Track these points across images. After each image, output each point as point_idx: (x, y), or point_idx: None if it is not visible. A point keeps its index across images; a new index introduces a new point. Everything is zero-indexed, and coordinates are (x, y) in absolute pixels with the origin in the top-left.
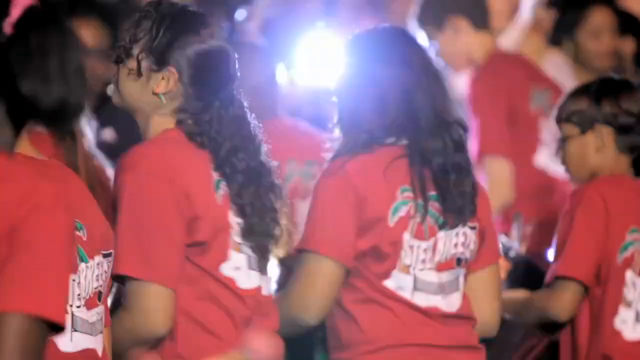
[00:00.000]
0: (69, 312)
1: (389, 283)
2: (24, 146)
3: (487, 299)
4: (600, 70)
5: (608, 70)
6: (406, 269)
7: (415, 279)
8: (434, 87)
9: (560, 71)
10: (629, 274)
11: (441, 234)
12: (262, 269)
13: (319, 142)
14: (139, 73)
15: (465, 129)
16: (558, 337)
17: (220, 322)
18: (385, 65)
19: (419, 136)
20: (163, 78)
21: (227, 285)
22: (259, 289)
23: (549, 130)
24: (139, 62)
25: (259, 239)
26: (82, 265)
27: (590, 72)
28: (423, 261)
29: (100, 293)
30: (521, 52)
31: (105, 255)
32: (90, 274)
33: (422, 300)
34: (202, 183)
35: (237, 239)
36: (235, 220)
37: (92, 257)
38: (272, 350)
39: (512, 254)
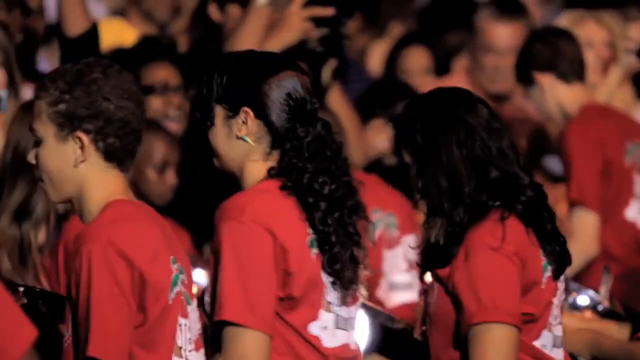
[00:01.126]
0: (184, 356)
1: (539, 343)
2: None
3: None
4: None
5: None
6: (550, 327)
7: (554, 337)
8: (512, 146)
9: None
10: None
11: (559, 285)
12: (349, 324)
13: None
14: (222, 124)
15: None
16: None
17: None
18: (451, 136)
19: (515, 199)
20: (242, 121)
21: (312, 343)
22: (345, 346)
23: None
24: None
25: (342, 268)
26: (189, 308)
27: None
28: (556, 317)
29: (202, 336)
30: (614, 105)
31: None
32: (195, 317)
33: (555, 354)
34: (298, 238)
35: (329, 298)
36: (327, 279)
37: (192, 300)
38: None
39: (600, 308)
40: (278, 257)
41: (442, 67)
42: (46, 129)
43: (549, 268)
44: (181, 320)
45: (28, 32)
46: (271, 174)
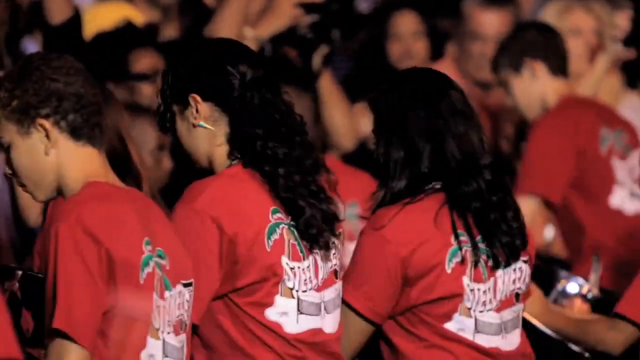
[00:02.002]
0: (160, 338)
1: (450, 325)
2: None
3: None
4: None
5: None
6: (467, 311)
7: (477, 321)
8: (464, 128)
9: (636, 113)
10: None
11: (500, 273)
12: (319, 308)
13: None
14: (181, 120)
15: (498, 169)
16: None
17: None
18: (414, 111)
19: (453, 182)
20: (194, 109)
21: (272, 329)
22: (313, 331)
23: (625, 170)
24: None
25: (318, 232)
26: (167, 293)
27: None
28: (484, 303)
29: (182, 322)
30: (597, 96)
31: (185, 285)
32: (174, 302)
33: (484, 341)
34: (253, 228)
35: (289, 284)
36: (288, 265)
37: (174, 286)
38: None
39: (590, 295)
40: (224, 249)
41: (434, 53)
42: (8, 132)
43: (463, 254)
44: (159, 302)
45: (14, 20)
46: (233, 156)
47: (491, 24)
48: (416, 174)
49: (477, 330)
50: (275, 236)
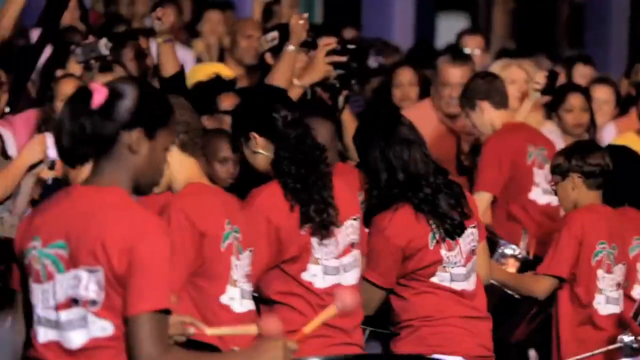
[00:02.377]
0: (238, 286)
1: (434, 279)
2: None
3: (482, 263)
4: (576, 136)
5: (582, 135)
6: (444, 269)
7: (451, 274)
8: (409, 150)
9: (555, 136)
10: (600, 272)
11: (460, 240)
12: (339, 269)
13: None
14: (245, 145)
15: (440, 172)
16: (549, 310)
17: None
18: (389, 142)
19: (408, 194)
20: (254, 142)
21: (307, 287)
22: (334, 285)
23: (542, 176)
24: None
25: (320, 230)
26: (240, 255)
27: (570, 137)
28: (455, 262)
29: (249, 275)
30: (528, 123)
31: (250, 251)
32: (246, 261)
33: (457, 286)
34: (292, 223)
35: (317, 255)
36: (317, 243)
37: (244, 250)
38: (355, 300)
39: (519, 256)
40: (272, 235)
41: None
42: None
43: (437, 237)
44: (236, 262)
45: (142, 70)
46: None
47: (455, 75)
48: (381, 190)
49: (452, 280)
50: (307, 226)
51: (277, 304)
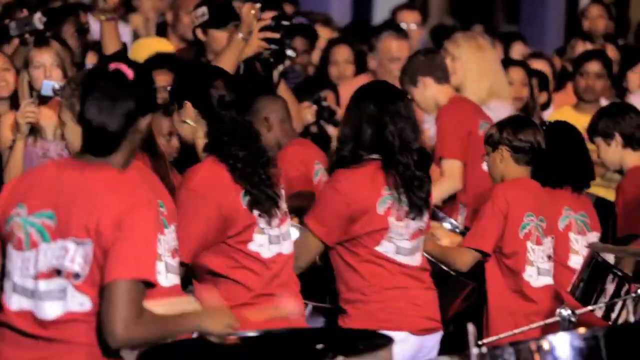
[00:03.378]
0: (163, 260)
1: (379, 249)
2: None
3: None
4: (515, 109)
5: (519, 110)
6: (390, 239)
7: (396, 246)
8: (403, 124)
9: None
10: (529, 244)
11: (411, 217)
12: (279, 238)
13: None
14: (176, 113)
15: (425, 154)
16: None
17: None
18: (366, 105)
19: (390, 156)
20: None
21: (255, 257)
22: (279, 254)
23: None
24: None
25: (264, 205)
26: (166, 230)
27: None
28: (401, 235)
29: (177, 250)
30: (468, 99)
31: (175, 226)
32: (171, 236)
33: (401, 259)
34: (235, 198)
35: (261, 225)
36: (256, 213)
37: (170, 224)
38: (297, 305)
39: (457, 230)
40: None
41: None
42: (65, 115)
43: (388, 201)
44: (159, 237)
45: (82, 46)
46: (208, 149)
47: (396, 49)
48: (357, 147)
49: (397, 252)
50: (252, 204)
51: (222, 278)
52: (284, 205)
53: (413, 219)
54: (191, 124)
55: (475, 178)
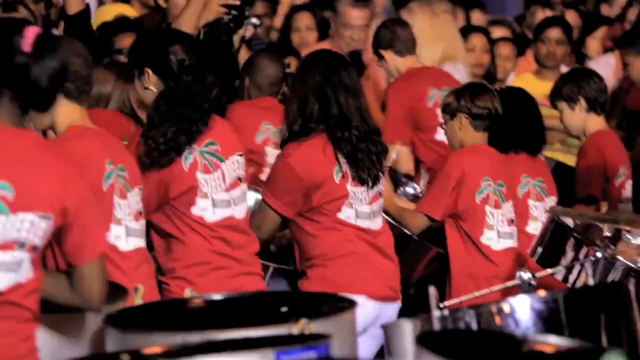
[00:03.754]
0: (123, 224)
1: (341, 215)
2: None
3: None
4: (477, 75)
5: (480, 76)
6: (350, 205)
7: (356, 211)
8: (345, 95)
9: (460, 76)
10: (488, 208)
11: (366, 184)
12: (232, 201)
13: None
14: (137, 79)
15: (370, 127)
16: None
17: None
18: (312, 77)
19: (334, 129)
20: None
21: (198, 221)
22: (228, 218)
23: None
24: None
25: (206, 169)
26: (128, 193)
27: (472, 78)
28: (361, 200)
29: (141, 212)
30: (431, 67)
31: (140, 189)
32: (135, 199)
33: (361, 223)
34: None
35: (205, 190)
36: (202, 177)
37: (133, 188)
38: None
39: (421, 194)
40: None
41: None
42: None
43: (341, 173)
44: (119, 201)
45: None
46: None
47: (357, 17)
48: (305, 121)
49: (357, 217)
50: (191, 160)
51: (173, 238)
52: (237, 172)
53: (369, 186)
54: (154, 90)
55: (428, 147)
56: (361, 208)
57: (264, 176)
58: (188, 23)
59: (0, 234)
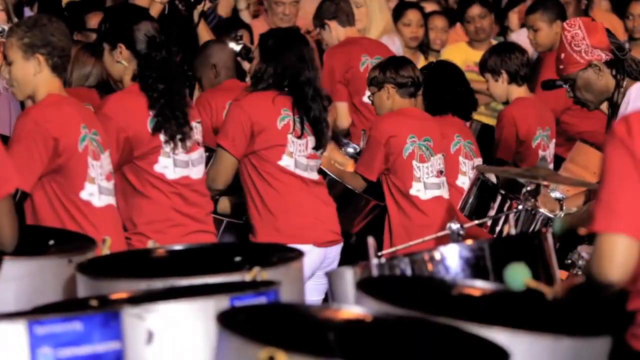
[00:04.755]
0: (96, 183)
1: (280, 163)
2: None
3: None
4: (412, 49)
5: (415, 49)
6: (290, 154)
7: (296, 161)
8: (306, 65)
9: (396, 48)
10: (414, 162)
11: (310, 137)
12: (188, 163)
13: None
14: (108, 52)
15: (318, 91)
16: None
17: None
18: (282, 52)
19: (295, 88)
20: (119, 51)
21: (160, 178)
22: (184, 177)
23: None
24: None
25: (172, 133)
26: (102, 155)
27: (407, 50)
28: (300, 150)
29: (112, 173)
30: (367, 37)
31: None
32: (107, 160)
33: (299, 172)
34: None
35: (167, 149)
36: (165, 140)
37: (105, 150)
38: None
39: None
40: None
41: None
42: (15, 54)
43: (286, 119)
44: (92, 162)
45: None
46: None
47: None
48: (264, 79)
49: (295, 166)
50: (152, 126)
51: (138, 193)
52: (196, 136)
53: (310, 141)
54: (125, 64)
55: (360, 106)
56: (300, 159)
57: None
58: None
59: None
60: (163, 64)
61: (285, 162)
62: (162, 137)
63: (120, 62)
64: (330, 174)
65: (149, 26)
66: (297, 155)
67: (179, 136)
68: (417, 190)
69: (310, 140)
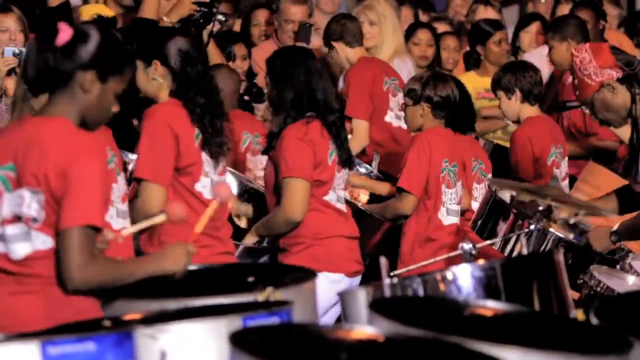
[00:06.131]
0: (115, 206)
1: (327, 198)
2: None
3: None
4: (422, 68)
5: (425, 67)
6: (334, 189)
7: (337, 196)
8: (325, 85)
9: (407, 69)
10: (443, 187)
11: (343, 167)
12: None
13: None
14: (142, 70)
15: (341, 112)
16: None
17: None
18: (289, 72)
19: (323, 114)
20: (154, 68)
21: (198, 197)
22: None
23: (395, 102)
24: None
25: (214, 149)
26: (118, 177)
27: (420, 69)
28: (339, 185)
29: (127, 195)
30: (377, 58)
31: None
32: (122, 182)
33: (340, 207)
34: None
35: (206, 169)
36: (205, 157)
37: (120, 173)
38: (229, 193)
39: (372, 174)
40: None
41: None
42: None
43: (334, 154)
44: (113, 184)
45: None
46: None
47: (296, 13)
48: (298, 108)
49: (337, 200)
50: (198, 142)
51: None
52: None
53: (345, 167)
54: (160, 81)
55: (379, 128)
56: (340, 192)
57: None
58: (150, 11)
59: (6, 209)
60: (200, 79)
61: (331, 197)
62: (204, 154)
63: (156, 79)
64: (375, 214)
65: (182, 41)
66: (338, 190)
67: (220, 156)
68: (441, 214)
69: (345, 172)
